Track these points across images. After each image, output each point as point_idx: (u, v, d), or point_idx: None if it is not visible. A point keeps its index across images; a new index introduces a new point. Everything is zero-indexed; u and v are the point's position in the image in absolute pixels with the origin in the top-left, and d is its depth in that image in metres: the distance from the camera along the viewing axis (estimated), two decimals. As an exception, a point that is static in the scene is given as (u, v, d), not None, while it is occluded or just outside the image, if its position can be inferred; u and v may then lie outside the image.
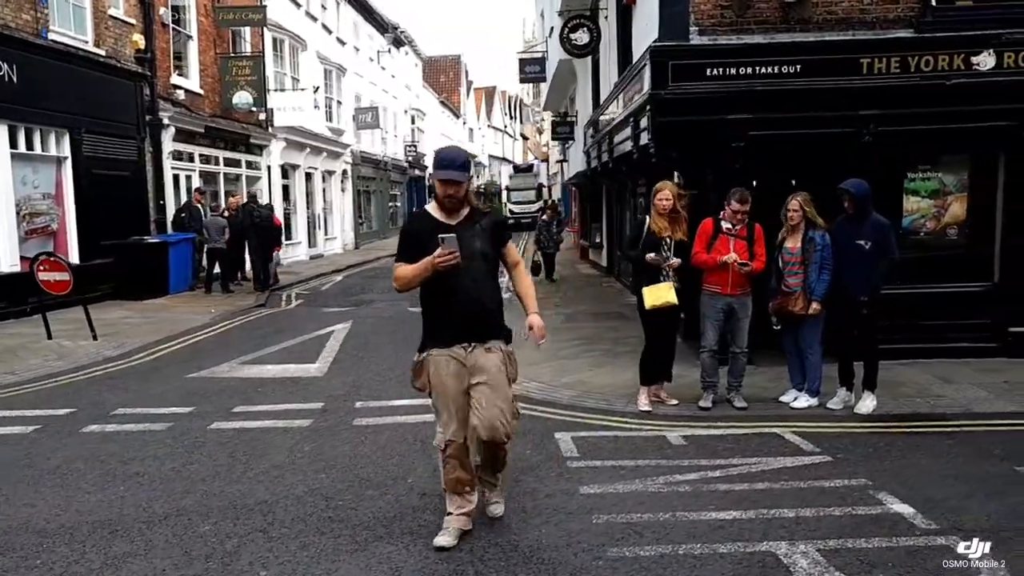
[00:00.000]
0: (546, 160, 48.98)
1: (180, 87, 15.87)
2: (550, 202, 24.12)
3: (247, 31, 18.94)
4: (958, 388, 6.86)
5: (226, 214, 15.22)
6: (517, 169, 54.26)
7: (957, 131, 7.73)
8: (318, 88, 23.27)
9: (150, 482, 4.84)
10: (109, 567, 3.69)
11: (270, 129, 20.05)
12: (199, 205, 15.18)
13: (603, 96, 14.62)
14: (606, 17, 14.54)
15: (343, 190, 27.75)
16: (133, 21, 14.19)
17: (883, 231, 6.07)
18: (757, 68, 7.62)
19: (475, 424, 3.76)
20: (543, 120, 46.95)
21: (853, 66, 7.58)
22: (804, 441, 5.48)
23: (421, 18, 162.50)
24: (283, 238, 18.71)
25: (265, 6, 18.36)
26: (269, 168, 20.53)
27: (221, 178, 18.18)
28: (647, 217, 6.33)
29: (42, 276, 9.62)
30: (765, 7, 7.88)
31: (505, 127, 76.75)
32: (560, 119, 25.17)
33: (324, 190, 25.71)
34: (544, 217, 17.77)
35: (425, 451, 5.18)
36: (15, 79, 11.08)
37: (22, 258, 11.16)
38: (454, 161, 3.78)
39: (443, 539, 3.83)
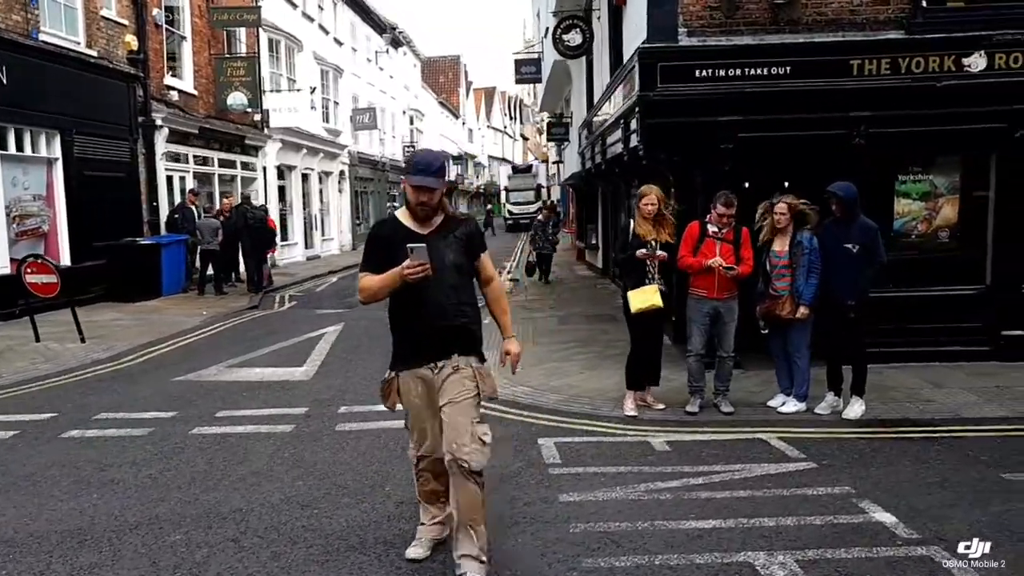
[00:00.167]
0: (546, 161, 48.99)
1: (174, 88, 15.83)
2: (548, 203, 24.02)
3: (242, 32, 18.85)
4: (949, 393, 6.79)
5: (220, 216, 15.18)
6: (516, 170, 54.36)
7: (948, 133, 7.66)
8: (315, 89, 23.24)
9: (124, 489, 4.78)
10: (75, 578, 3.62)
11: (266, 130, 19.99)
12: (193, 206, 15.16)
13: (597, 97, 14.55)
14: (599, 18, 14.44)
15: (340, 191, 27.69)
16: (126, 22, 14.14)
17: (871, 234, 6.01)
18: (747, 70, 7.56)
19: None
20: (543, 121, 46.93)
21: (843, 67, 7.51)
22: (789, 447, 5.42)
23: (420, 19, 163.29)
24: (278, 240, 18.66)
25: (260, 7, 18.32)
26: (265, 169, 20.48)
27: (216, 179, 18.11)
28: (631, 221, 6.28)
29: (29, 278, 9.58)
30: (754, 8, 7.81)
31: (505, 128, 76.81)
32: (556, 120, 25.12)
33: (321, 191, 25.66)
34: (540, 217, 17.32)
35: (404, 457, 5.06)
36: (5, 80, 11.03)
37: (12, 260, 11.12)
38: (430, 166, 3.45)
39: (415, 551, 3.77)
